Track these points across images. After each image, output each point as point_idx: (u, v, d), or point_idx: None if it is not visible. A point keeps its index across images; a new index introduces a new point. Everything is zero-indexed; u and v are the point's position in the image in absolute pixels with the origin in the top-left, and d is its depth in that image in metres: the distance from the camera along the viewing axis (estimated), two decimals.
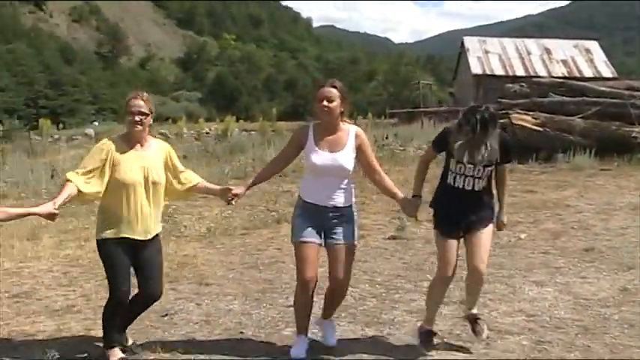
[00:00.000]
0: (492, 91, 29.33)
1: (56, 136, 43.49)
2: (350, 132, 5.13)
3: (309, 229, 5.08)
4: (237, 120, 60.49)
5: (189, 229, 10.11)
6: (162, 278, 5.29)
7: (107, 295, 5.13)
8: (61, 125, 58.67)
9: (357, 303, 6.45)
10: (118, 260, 5.00)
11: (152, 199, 5.03)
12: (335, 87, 5.05)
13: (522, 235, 9.36)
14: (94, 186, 4.91)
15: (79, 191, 4.83)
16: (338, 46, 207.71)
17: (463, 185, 5.08)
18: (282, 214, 10.39)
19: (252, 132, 39.44)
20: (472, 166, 5.01)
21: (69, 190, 4.78)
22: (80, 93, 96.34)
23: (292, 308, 5.42)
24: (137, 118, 4.94)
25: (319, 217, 5.07)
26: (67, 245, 9.11)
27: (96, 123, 56.46)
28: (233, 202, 5.40)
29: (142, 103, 4.99)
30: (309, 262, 5.06)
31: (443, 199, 5.23)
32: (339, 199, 5.08)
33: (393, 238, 9.33)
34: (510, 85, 21.17)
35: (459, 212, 5.11)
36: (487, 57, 51.31)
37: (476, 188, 5.09)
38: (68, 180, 4.88)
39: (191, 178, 5.33)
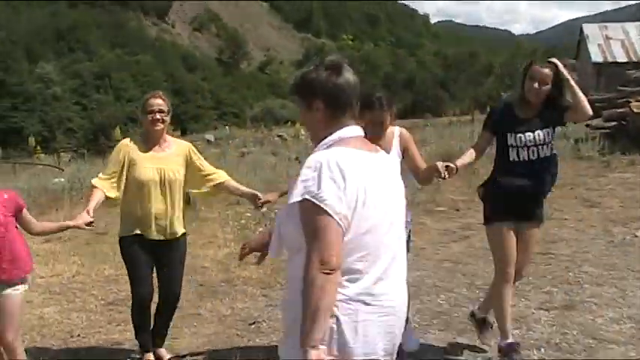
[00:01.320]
0: (614, 78, 27.88)
1: None
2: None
3: None
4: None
5: None
6: (181, 280, 5.27)
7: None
8: (183, 132, 60.32)
9: (451, 309, 6.12)
10: (137, 259, 5.05)
11: (169, 199, 5.00)
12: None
13: (639, 233, 8.70)
14: (119, 188, 4.99)
15: (107, 196, 4.91)
16: (457, 41, 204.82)
17: (528, 156, 4.74)
18: None
19: None
20: (531, 133, 4.72)
21: (97, 197, 4.86)
22: (202, 99, 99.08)
23: None
24: (157, 117, 4.92)
25: None
26: None
27: (217, 129, 57.48)
28: (264, 208, 5.43)
29: (160, 101, 4.97)
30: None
31: (504, 183, 4.82)
32: None
33: None
34: (632, 71, 20.02)
35: (523, 194, 4.75)
36: (608, 43, 48.96)
37: (541, 155, 4.75)
38: (94, 186, 4.96)
39: (216, 176, 5.25)
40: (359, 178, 2.59)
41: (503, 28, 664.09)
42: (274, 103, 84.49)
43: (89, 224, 4.68)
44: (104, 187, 4.93)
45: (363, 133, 2.79)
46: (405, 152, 4.85)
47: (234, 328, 6.08)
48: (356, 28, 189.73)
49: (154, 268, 5.17)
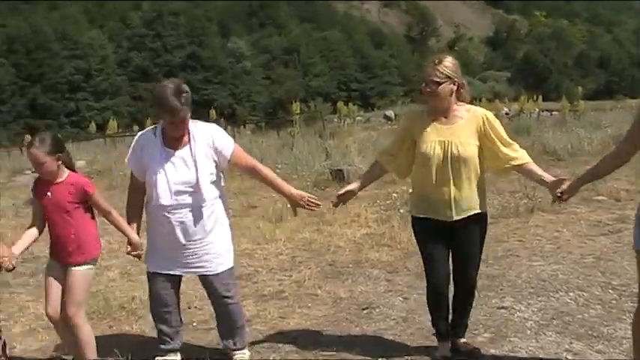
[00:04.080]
0: None
1: (359, 118, 44.66)
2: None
3: None
4: (544, 100, 57.98)
5: None
6: (476, 263, 4.82)
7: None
8: (368, 108, 60.76)
9: (577, 309, 5.60)
10: (427, 242, 4.76)
11: (456, 175, 4.59)
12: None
13: None
14: (398, 164, 4.88)
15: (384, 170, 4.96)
16: None
17: None
18: (536, 203, 9.51)
19: (555, 112, 37.41)
20: None
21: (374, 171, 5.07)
22: (389, 75, 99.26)
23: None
24: (428, 89, 4.60)
25: None
26: (306, 228, 9.11)
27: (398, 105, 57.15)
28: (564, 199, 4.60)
29: (430, 72, 4.58)
30: None
31: None
32: None
33: None
34: None
35: None
36: None
37: None
38: (376, 161, 5.02)
39: (514, 155, 4.67)
40: None
41: None
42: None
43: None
44: (386, 162, 4.92)
45: None
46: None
47: (346, 312, 5.93)
48: (549, 4, 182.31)
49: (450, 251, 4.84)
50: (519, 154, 4.69)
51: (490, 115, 4.71)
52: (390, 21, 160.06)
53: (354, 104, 41.69)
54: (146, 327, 5.84)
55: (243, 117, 57.94)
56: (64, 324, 4.80)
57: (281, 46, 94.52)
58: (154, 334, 5.19)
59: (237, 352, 5.05)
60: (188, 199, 4.75)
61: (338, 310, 6.00)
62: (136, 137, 5.03)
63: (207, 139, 4.81)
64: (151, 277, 5.00)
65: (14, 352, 5.40)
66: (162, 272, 4.95)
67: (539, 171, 4.70)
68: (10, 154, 29.78)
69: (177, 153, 4.76)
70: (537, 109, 40.35)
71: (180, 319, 5.17)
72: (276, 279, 7.11)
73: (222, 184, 5.03)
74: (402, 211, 9.50)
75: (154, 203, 4.81)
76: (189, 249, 4.84)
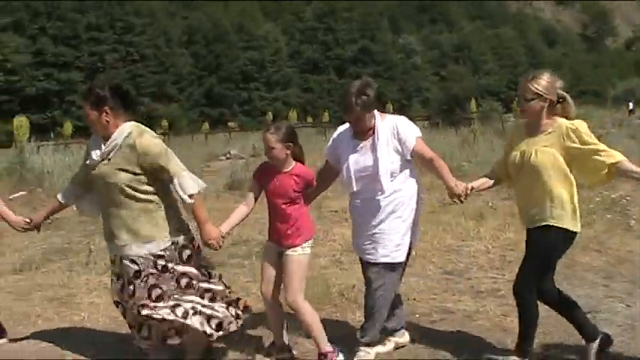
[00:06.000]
0: None
1: None
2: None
3: None
4: None
5: None
6: (520, 279, 4.78)
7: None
8: None
9: None
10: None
11: (531, 185, 4.66)
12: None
13: None
14: (504, 171, 4.98)
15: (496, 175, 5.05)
16: None
17: None
18: None
19: None
20: None
21: (490, 175, 5.10)
22: (562, 75, 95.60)
23: None
24: (519, 105, 4.77)
25: None
26: (509, 229, 9.06)
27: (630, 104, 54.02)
28: None
29: (522, 88, 4.66)
30: None
31: None
32: None
33: None
34: None
35: None
36: None
37: None
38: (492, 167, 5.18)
39: (605, 157, 4.54)
40: None
41: None
42: (637, 82, 78.95)
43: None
44: (497, 167, 5.08)
45: None
46: None
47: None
48: None
49: None
50: (612, 154, 4.53)
51: (579, 124, 4.60)
52: (564, 19, 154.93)
53: None
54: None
55: (416, 112, 57.78)
56: (273, 303, 5.06)
57: (451, 43, 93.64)
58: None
59: (362, 346, 5.10)
60: (367, 187, 4.97)
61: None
62: (338, 129, 5.34)
63: (392, 130, 4.95)
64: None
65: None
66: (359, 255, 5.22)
67: (636, 168, 4.55)
68: (192, 140, 31.08)
69: (362, 143, 4.99)
70: None
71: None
72: (489, 277, 7.12)
73: (412, 178, 5.08)
74: (608, 216, 9.28)
75: (345, 190, 5.18)
76: (364, 234, 5.06)
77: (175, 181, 4.67)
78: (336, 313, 6.24)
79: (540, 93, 4.56)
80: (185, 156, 20.95)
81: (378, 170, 4.89)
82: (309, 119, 51.61)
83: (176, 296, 4.82)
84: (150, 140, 4.70)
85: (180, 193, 4.68)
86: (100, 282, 7.35)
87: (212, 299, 5.00)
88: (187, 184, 4.69)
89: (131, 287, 4.74)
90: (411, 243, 5.10)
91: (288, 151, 4.86)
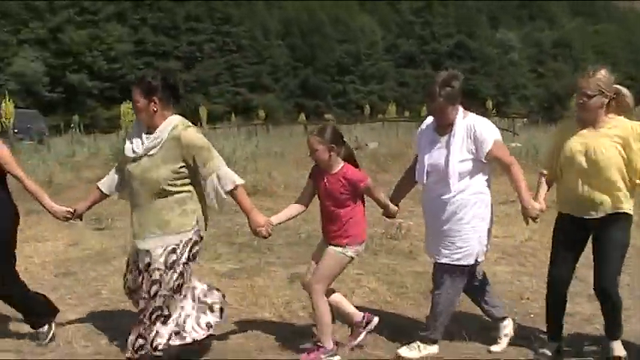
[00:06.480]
0: None
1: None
2: None
3: None
4: None
5: None
6: (613, 272, 4.77)
7: None
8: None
9: None
10: (556, 238, 5.06)
11: (590, 178, 4.77)
12: None
13: None
14: (553, 168, 5.11)
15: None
16: None
17: None
18: None
19: None
20: None
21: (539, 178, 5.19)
22: None
23: None
24: (580, 100, 4.78)
25: None
26: None
27: None
28: None
29: (584, 84, 4.72)
30: None
31: None
32: None
33: None
34: None
35: None
36: None
37: None
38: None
39: None
40: None
41: None
42: None
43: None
44: (545, 166, 5.19)
45: None
46: None
47: None
48: None
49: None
50: None
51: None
52: None
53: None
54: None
55: (514, 110, 56.82)
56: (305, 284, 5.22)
57: (551, 39, 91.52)
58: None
59: (416, 341, 5.11)
60: (436, 184, 4.97)
61: None
62: (424, 121, 5.35)
63: (469, 130, 4.91)
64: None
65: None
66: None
67: None
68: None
69: (440, 139, 4.98)
70: None
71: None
72: None
73: (483, 182, 5.01)
74: None
75: (418, 180, 5.17)
76: (430, 230, 5.11)
77: (214, 175, 4.78)
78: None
79: (602, 90, 4.67)
80: (291, 144, 21.17)
81: (447, 168, 4.87)
82: (406, 113, 51.25)
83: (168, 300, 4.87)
84: (194, 134, 4.83)
85: (218, 187, 4.78)
86: (212, 269, 7.42)
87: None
88: (226, 178, 4.79)
89: (140, 277, 4.89)
90: (477, 249, 5.02)
91: (332, 153, 4.91)
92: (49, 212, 5.37)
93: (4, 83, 52.93)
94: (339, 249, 4.98)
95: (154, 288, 4.78)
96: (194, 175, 4.86)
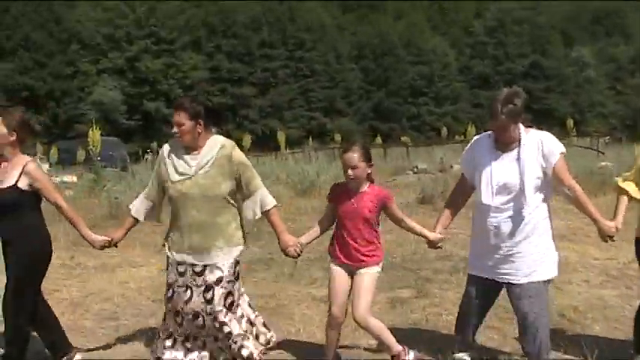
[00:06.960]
0: None
1: None
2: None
3: None
4: None
5: None
6: None
7: None
8: None
9: None
10: None
11: None
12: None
13: None
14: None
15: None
16: None
17: None
18: None
19: None
20: None
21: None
22: None
23: None
24: None
25: None
26: None
27: None
28: None
29: None
30: None
31: None
32: None
33: None
34: None
35: None
36: None
37: None
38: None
39: None
40: None
41: None
42: None
43: None
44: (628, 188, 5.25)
45: None
46: None
47: None
48: None
49: None
50: None
51: None
52: None
53: None
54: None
55: (594, 127, 55.73)
56: (340, 324, 5.17)
57: (628, 55, 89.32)
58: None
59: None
60: (508, 201, 4.83)
61: None
62: (474, 138, 5.29)
63: (537, 144, 4.85)
64: (469, 277, 5.22)
65: None
66: (474, 274, 5.09)
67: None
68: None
69: (505, 155, 4.88)
70: None
71: (473, 337, 5.28)
72: None
73: (546, 202, 4.99)
74: None
75: (477, 200, 5.02)
76: (498, 253, 4.88)
77: (257, 194, 5.03)
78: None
79: None
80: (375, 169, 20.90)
81: (523, 184, 4.76)
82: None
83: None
84: (242, 153, 5.11)
85: (258, 205, 5.01)
86: (309, 294, 7.52)
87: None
88: (267, 198, 5.07)
89: (210, 293, 4.95)
90: (556, 258, 5.01)
91: (369, 170, 4.93)
92: (87, 241, 5.46)
93: (85, 112, 54.65)
94: (377, 268, 5.03)
95: (229, 299, 4.99)
96: (239, 193, 5.13)
